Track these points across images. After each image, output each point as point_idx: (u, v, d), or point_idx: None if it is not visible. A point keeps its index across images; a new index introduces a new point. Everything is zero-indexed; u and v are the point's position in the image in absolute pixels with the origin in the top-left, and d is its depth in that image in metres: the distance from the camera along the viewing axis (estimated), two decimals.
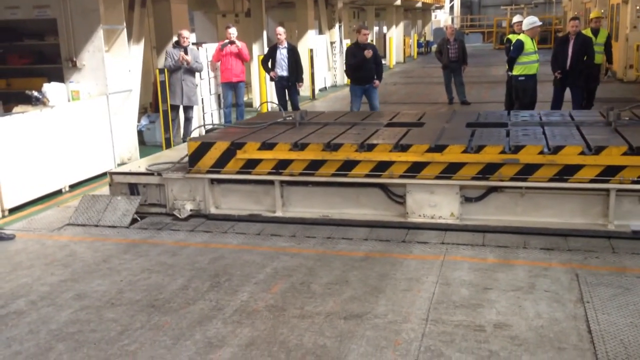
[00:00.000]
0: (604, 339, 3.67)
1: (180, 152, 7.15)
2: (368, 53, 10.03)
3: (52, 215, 6.75)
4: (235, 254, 5.38)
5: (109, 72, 8.56)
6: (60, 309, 4.39)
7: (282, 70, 11.33)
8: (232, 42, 11.12)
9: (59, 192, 7.64)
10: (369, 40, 10.75)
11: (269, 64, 11.52)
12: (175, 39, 10.19)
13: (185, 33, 9.91)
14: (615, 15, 19.10)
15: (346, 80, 20.38)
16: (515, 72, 9.94)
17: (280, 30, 11.42)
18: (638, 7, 16.97)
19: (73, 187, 7.89)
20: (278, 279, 4.79)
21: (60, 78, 8.48)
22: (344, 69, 11.30)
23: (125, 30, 8.92)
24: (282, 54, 11.32)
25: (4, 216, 6.73)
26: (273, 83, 11.98)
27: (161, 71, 9.77)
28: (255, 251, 5.43)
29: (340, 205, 6.12)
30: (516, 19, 11.43)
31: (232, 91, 11.40)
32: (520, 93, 10.02)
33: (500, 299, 4.28)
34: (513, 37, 11.05)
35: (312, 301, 4.36)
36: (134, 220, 6.30)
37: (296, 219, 6.11)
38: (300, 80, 11.47)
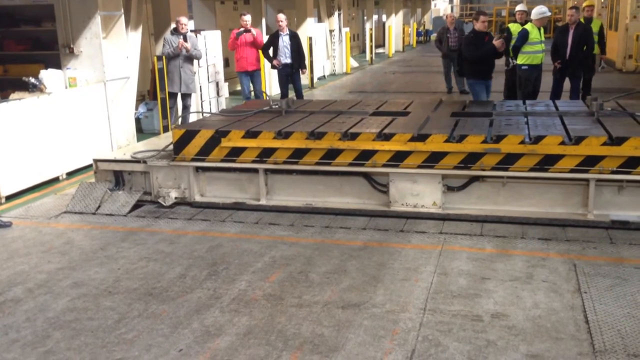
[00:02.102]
0: (601, 329, 3.67)
1: (166, 140, 7.13)
2: (499, 43, 8.70)
3: (49, 202, 6.73)
4: (233, 242, 5.37)
5: (107, 59, 8.50)
6: (57, 296, 4.38)
7: (286, 57, 11.22)
8: (247, 30, 11.05)
9: (56, 180, 7.62)
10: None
11: (270, 52, 11.43)
12: (173, 25, 10.12)
13: (183, 20, 9.83)
14: (615, 5, 19.01)
15: (345, 68, 20.38)
16: (519, 61, 9.89)
17: (282, 17, 11.30)
18: None
19: (70, 174, 7.87)
20: (276, 267, 4.79)
21: (58, 65, 8.43)
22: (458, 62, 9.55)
23: (123, 16, 8.85)
24: (284, 41, 11.22)
25: (1, 203, 6.71)
26: (275, 71, 11.84)
27: (159, 58, 9.71)
28: (253, 240, 5.42)
29: (324, 193, 6.14)
30: (519, 7, 11.33)
31: (249, 79, 11.34)
32: (523, 82, 9.97)
33: (498, 289, 4.28)
34: (513, 27, 10.96)
35: (310, 290, 4.36)
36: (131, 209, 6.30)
37: (280, 207, 6.14)
38: (304, 66, 11.40)
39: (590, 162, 5.37)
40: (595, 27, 10.96)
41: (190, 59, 9.97)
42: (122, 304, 4.24)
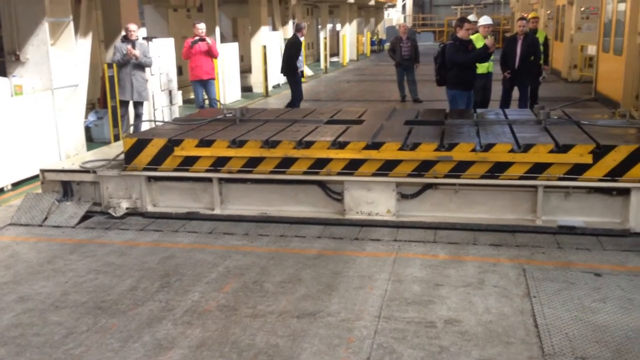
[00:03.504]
0: (550, 333, 3.76)
1: (117, 149, 6.98)
2: (490, 42, 8.44)
3: None
4: (187, 253, 5.28)
5: (54, 66, 8.29)
6: (1, 312, 4.21)
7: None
8: (202, 39, 10.98)
9: (0, 191, 7.36)
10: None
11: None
12: (123, 33, 9.95)
13: (132, 26, 9.67)
14: (561, 16, 19.68)
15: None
16: None
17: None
18: (582, 9, 17.52)
19: (16, 185, 7.61)
20: (230, 278, 4.73)
21: (3, 72, 8.18)
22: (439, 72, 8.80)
23: (71, 23, 8.65)
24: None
25: None
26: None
27: (109, 66, 9.52)
28: (207, 250, 5.35)
29: (278, 202, 6.12)
30: (485, 21, 11.48)
31: (203, 88, 11.28)
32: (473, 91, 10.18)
33: (451, 295, 4.34)
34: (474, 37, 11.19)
35: (265, 300, 4.32)
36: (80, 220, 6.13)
37: (234, 217, 6.08)
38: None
39: (538, 169, 5.51)
40: (540, 38, 11.30)
41: (142, 66, 9.81)
42: (70, 318, 4.11)
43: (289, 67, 11.78)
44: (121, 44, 9.69)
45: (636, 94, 10.86)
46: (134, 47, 9.59)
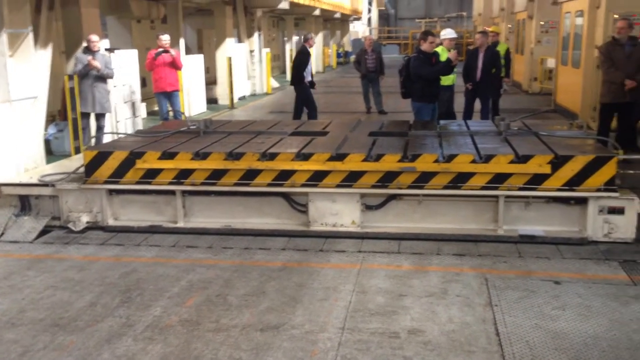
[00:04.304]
0: (511, 341, 3.80)
1: (77, 162, 6.85)
2: (454, 55, 8.47)
3: None
4: (149, 267, 5.20)
5: (13, 77, 8.10)
6: None
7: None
8: (166, 51, 10.88)
9: None
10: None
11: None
12: (85, 44, 9.79)
13: (94, 38, 9.53)
14: (521, 30, 20.14)
15: (266, 88, 20.41)
16: None
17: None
18: (542, 23, 17.96)
19: None
20: (193, 292, 4.66)
21: None
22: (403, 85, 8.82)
23: (31, 34, 8.48)
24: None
25: None
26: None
27: (70, 77, 9.35)
28: (169, 264, 5.27)
29: (243, 214, 6.08)
30: (450, 35, 11.62)
31: (167, 100, 11.16)
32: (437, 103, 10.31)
33: (415, 305, 4.36)
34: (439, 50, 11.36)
35: (228, 314, 4.27)
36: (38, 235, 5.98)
37: (198, 229, 6.03)
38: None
39: (499, 179, 5.60)
40: (501, 51, 11.54)
41: (103, 78, 9.67)
42: (27, 336, 3.99)
43: (297, 77, 11.75)
44: (82, 55, 9.54)
45: (593, 105, 11.16)
46: (94, 58, 9.44)
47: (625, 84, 8.48)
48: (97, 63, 9.39)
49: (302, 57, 11.82)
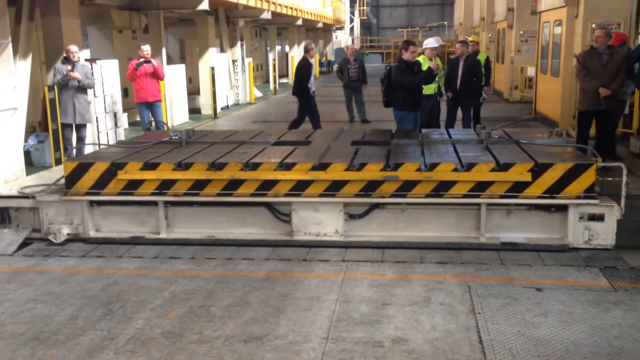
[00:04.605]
0: (494, 349, 3.82)
1: (58, 173, 6.78)
2: (434, 65, 8.48)
3: None
4: (131, 279, 5.15)
5: None
6: None
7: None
8: (147, 61, 10.85)
9: None
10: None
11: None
12: (65, 54, 9.72)
13: (73, 48, 9.45)
14: (502, 39, 20.38)
15: (249, 98, 20.40)
16: None
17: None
18: (522, 32, 18.19)
19: None
20: (176, 303, 4.63)
21: None
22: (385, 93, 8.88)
23: (10, 44, 8.39)
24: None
25: None
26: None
27: (50, 88, 9.27)
28: (152, 275, 5.23)
29: (226, 225, 6.06)
30: (432, 44, 11.69)
31: (149, 111, 11.12)
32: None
33: (398, 314, 4.36)
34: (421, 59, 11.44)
35: (212, 325, 4.25)
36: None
37: (181, 240, 6.00)
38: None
39: (481, 187, 5.64)
40: (482, 60, 11.66)
41: (84, 88, 9.60)
42: (6, 350, 3.93)
43: (300, 89, 11.73)
44: (61, 65, 9.46)
45: (573, 113, 11.31)
46: (74, 68, 9.35)
47: (599, 92, 8.63)
48: (76, 74, 9.31)
49: (304, 69, 11.76)
